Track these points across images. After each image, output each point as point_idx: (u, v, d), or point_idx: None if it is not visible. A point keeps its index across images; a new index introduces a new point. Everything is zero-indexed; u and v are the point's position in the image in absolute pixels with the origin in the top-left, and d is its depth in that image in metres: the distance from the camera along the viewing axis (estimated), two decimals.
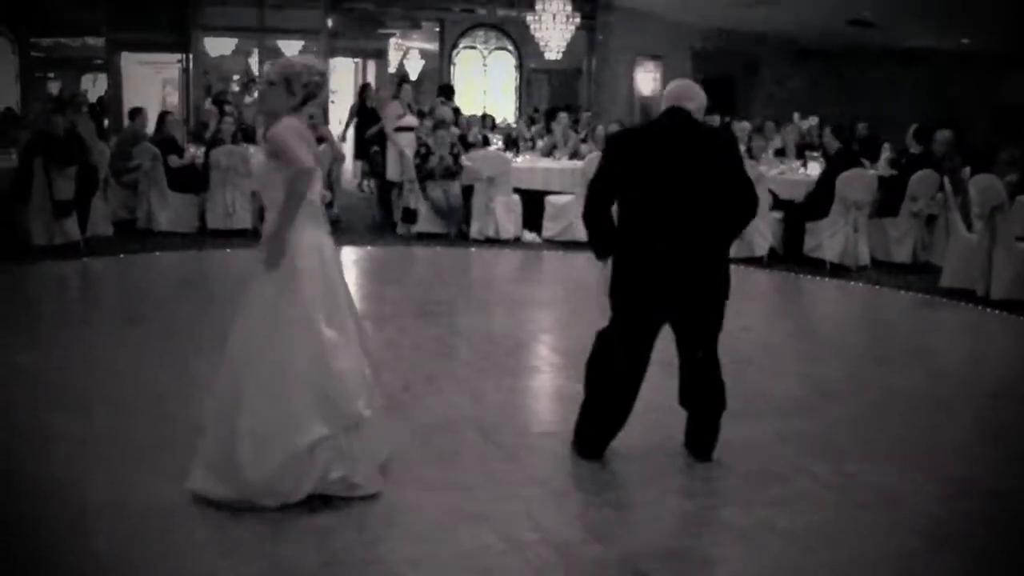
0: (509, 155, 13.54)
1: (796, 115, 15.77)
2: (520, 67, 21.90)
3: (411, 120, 13.26)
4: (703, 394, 5.16)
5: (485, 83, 21.77)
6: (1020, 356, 8.40)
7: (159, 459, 4.91)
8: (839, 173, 11.20)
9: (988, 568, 4.24)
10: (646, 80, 21.75)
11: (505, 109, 21.37)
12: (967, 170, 11.24)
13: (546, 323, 8.96)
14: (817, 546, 4.34)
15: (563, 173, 13.15)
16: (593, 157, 12.86)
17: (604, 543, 4.29)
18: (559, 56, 16.93)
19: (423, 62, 23.74)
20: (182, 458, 4.60)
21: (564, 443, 5.32)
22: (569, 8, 16.27)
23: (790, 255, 11.55)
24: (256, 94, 15.66)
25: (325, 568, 3.97)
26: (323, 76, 4.62)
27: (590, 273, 11.32)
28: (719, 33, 21.56)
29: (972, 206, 10.41)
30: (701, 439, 5.20)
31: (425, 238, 12.44)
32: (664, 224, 4.83)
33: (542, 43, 16.64)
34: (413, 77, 21.97)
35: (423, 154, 12.50)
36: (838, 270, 11.09)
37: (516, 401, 6.39)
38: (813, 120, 15.34)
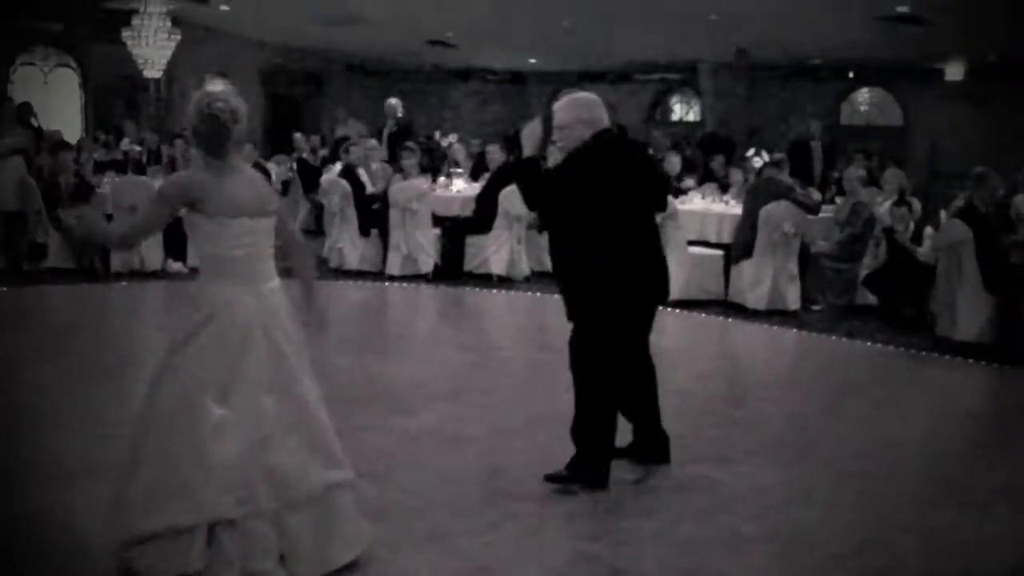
0: (144, 179, 12.66)
1: (437, 132, 16.15)
2: (85, 85, 20.36)
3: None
4: (651, 397, 5.44)
5: (47, 102, 19.97)
6: (721, 346, 9.48)
7: None
8: (501, 188, 11.62)
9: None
10: None
11: (71, 129, 19.72)
12: None
13: None
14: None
15: None
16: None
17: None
18: (160, 74, 16.03)
19: None
20: None
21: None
22: (169, 24, 15.44)
23: (453, 270, 11.85)
24: None
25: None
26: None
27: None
28: (287, 50, 21.48)
29: None
30: (660, 440, 5.47)
31: (59, 275, 11.36)
32: (634, 230, 5.18)
33: (140, 60, 15.64)
34: None
35: (45, 177, 11.41)
36: (504, 281, 11.59)
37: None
38: (453, 137, 15.80)
